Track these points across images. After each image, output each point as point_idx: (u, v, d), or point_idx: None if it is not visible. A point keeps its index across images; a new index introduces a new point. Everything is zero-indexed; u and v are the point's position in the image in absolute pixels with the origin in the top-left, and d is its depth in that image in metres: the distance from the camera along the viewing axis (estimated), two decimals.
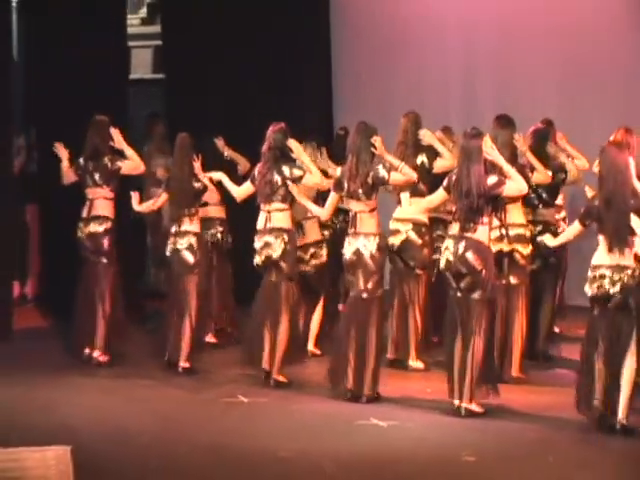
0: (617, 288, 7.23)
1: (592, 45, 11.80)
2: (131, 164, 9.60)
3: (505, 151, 8.35)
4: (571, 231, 7.72)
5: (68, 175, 9.64)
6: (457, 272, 7.72)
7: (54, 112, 11.03)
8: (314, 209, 8.69)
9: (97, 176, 9.52)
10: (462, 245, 7.68)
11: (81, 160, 9.58)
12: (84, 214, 9.56)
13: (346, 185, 8.21)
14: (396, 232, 9.14)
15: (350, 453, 6.91)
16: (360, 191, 8.15)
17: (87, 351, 9.53)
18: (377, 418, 7.62)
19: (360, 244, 8.15)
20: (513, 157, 8.58)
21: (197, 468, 6.67)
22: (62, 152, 9.62)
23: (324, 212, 8.61)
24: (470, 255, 7.68)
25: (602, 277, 7.27)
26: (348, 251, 8.19)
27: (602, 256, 7.30)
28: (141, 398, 8.44)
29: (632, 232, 7.30)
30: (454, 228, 7.84)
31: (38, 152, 11.76)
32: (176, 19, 12.42)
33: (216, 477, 6.49)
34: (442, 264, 7.82)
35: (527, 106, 11.34)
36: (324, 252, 9.57)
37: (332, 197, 8.42)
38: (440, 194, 8.03)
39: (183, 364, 9.15)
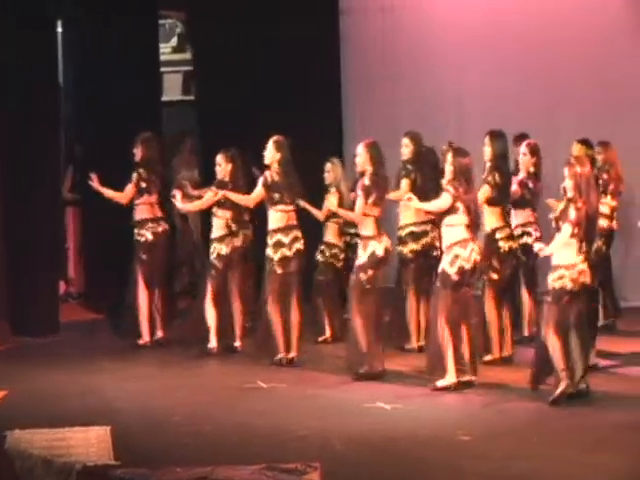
0: None
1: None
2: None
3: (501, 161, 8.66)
4: None
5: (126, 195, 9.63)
6: None
7: (96, 130, 11.07)
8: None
9: (158, 184, 9.69)
10: None
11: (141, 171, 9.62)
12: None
13: None
14: None
15: (358, 432, 6.90)
16: None
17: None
18: (382, 401, 7.61)
19: None
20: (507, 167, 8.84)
21: (223, 444, 6.67)
22: (104, 190, 9.61)
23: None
24: None
25: None
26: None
27: None
28: (175, 384, 8.44)
29: None
30: None
31: (82, 165, 11.73)
32: (204, 47, 12.44)
33: (240, 452, 6.44)
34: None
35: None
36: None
37: None
38: None
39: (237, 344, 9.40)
